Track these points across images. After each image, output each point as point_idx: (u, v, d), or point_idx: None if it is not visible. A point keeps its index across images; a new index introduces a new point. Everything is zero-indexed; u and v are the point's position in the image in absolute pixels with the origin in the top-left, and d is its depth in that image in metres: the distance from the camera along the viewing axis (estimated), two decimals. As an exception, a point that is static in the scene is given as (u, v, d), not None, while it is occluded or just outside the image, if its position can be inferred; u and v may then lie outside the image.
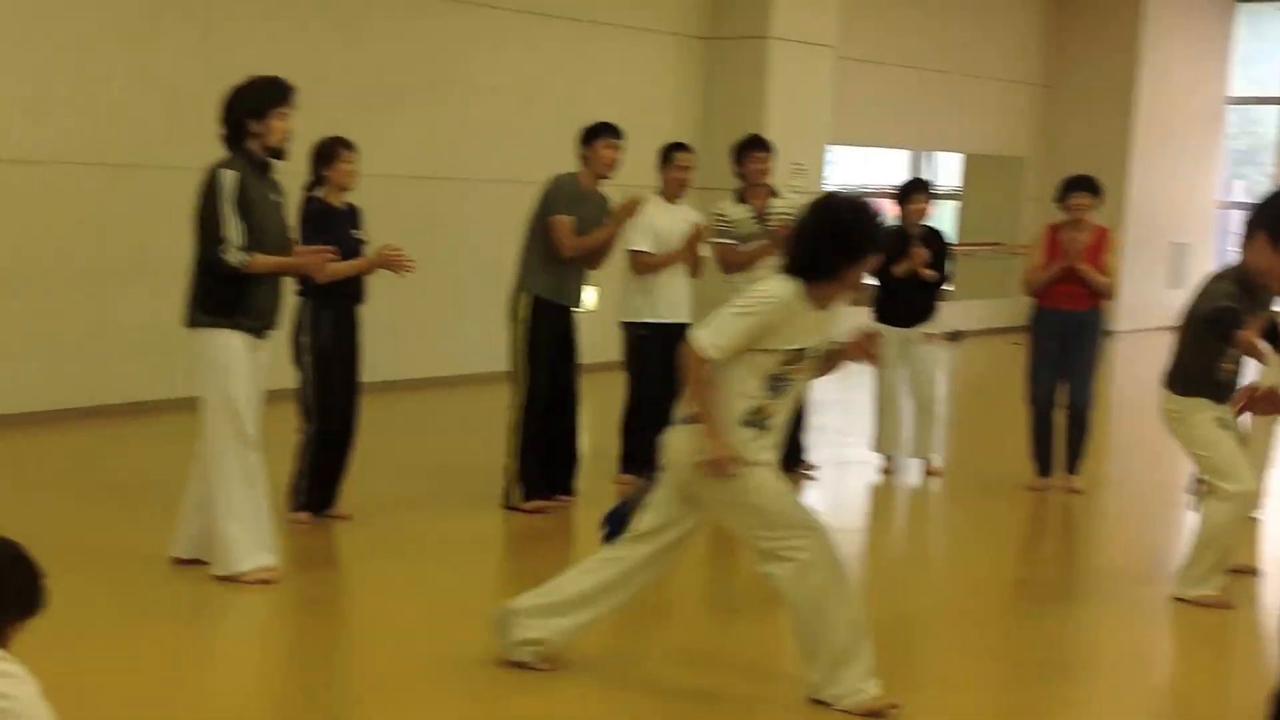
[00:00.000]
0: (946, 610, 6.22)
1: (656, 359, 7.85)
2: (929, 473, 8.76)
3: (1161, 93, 17.63)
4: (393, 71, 11.16)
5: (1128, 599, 6.47)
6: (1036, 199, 17.73)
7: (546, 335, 7.31)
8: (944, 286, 8.74)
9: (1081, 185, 8.20)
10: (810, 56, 13.65)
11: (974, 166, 17.70)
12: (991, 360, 14.79)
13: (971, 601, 6.34)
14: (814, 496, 8.15)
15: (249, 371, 5.88)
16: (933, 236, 8.63)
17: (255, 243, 5.81)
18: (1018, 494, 8.32)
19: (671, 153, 8.11)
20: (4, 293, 9.23)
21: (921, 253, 8.41)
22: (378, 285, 7.13)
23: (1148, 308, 17.09)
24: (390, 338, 9.95)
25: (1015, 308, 17.04)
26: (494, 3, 11.84)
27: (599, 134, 7.46)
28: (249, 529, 5.88)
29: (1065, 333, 8.20)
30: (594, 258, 7.52)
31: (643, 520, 4.89)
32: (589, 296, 12.45)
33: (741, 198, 8.31)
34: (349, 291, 6.84)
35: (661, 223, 7.89)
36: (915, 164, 19.43)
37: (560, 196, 7.31)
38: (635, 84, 13.05)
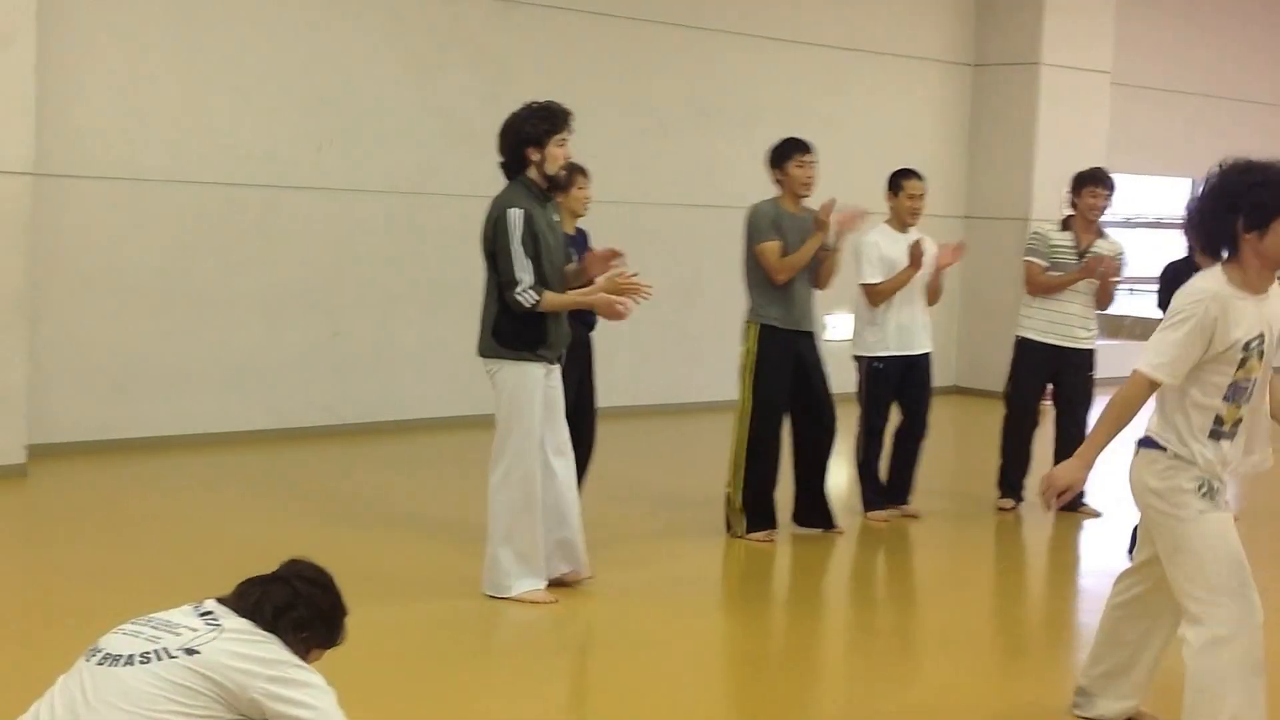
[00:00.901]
0: None
1: (889, 393, 7.89)
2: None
3: None
4: (662, 101, 11.48)
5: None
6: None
7: (776, 363, 7.24)
8: None
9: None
10: (1084, 83, 13.40)
11: (1258, 196, 17.00)
12: None
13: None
14: (1089, 541, 7.98)
15: (542, 398, 6.01)
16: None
17: (543, 277, 5.91)
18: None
19: (901, 180, 8.00)
20: (292, 315, 9.84)
21: None
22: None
23: None
24: (624, 364, 10.16)
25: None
26: (764, 33, 12.06)
27: (788, 154, 7.29)
28: (524, 556, 6.04)
29: None
30: (818, 277, 7.36)
31: (1139, 552, 4.69)
32: (838, 324, 12.67)
33: (1066, 225, 8.21)
34: (582, 319, 6.80)
35: (892, 252, 7.81)
36: (1194, 195, 18.74)
37: (761, 224, 7.21)
38: (901, 112, 13.07)
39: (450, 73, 10.38)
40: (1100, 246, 8.14)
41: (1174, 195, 18.93)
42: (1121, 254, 8.20)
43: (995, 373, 12.87)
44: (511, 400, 5.98)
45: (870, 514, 7.98)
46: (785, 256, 7.16)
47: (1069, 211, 8.24)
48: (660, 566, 6.88)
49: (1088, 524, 8.18)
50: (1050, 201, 13.14)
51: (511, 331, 5.95)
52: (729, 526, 7.39)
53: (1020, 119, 13.22)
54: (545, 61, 10.80)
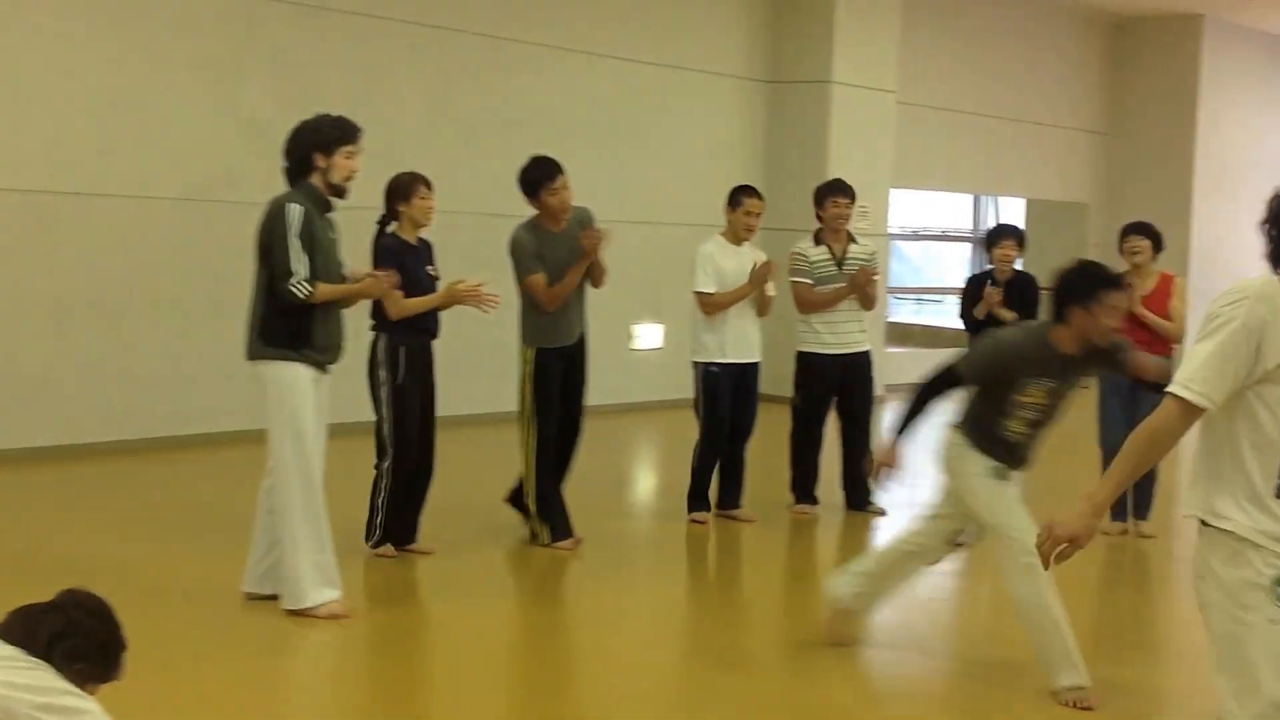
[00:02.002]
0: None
1: (725, 398, 8.09)
2: None
3: (1221, 141, 17.72)
4: (469, 111, 11.52)
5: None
6: (1099, 245, 17.82)
7: (552, 378, 7.35)
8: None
9: (1138, 230, 8.30)
10: (872, 101, 13.88)
11: (1037, 212, 17.83)
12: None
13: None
14: (882, 539, 8.20)
15: (314, 404, 5.91)
16: (1022, 280, 8.59)
17: (318, 278, 5.85)
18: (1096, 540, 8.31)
19: (741, 196, 8.21)
20: (79, 325, 9.57)
21: (994, 294, 8.45)
22: (451, 319, 7.28)
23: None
24: (464, 372, 10.17)
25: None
26: (571, 46, 12.21)
27: (540, 183, 7.22)
28: (316, 563, 5.92)
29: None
30: (592, 281, 7.42)
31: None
32: (650, 334, 12.91)
33: (819, 239, 8.45)
34: (424, 327, 6.91)
35: (727, 264, 8.05)
36: (977, 209, 19.58)
37: (523, 257, 7.24)
38: (700, 126, 13.35)
39: (250, 79, 10.24)
40: (854, 252, 8.42)
41: (957, 209, 19.74)
42: (873, 255, 8.55)
43: (779, 380, 13.34)
44: (280, 402, 5.87)
45: (694, 515, 8.18)
46: (551, 285, 7.21)
47: (816, 225, 8.48)
48: (468, 578, 6.95)
49: (879, 523, 8.45)
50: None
51: (279, 330, 5.87)
52: (534, 536, 7.48)
53: (814, 135, 13.63)
54: (350, 69, 10.76)
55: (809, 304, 8.37)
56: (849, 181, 8.60)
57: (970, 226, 19.74)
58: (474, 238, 11.23)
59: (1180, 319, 8.16)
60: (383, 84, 10.97)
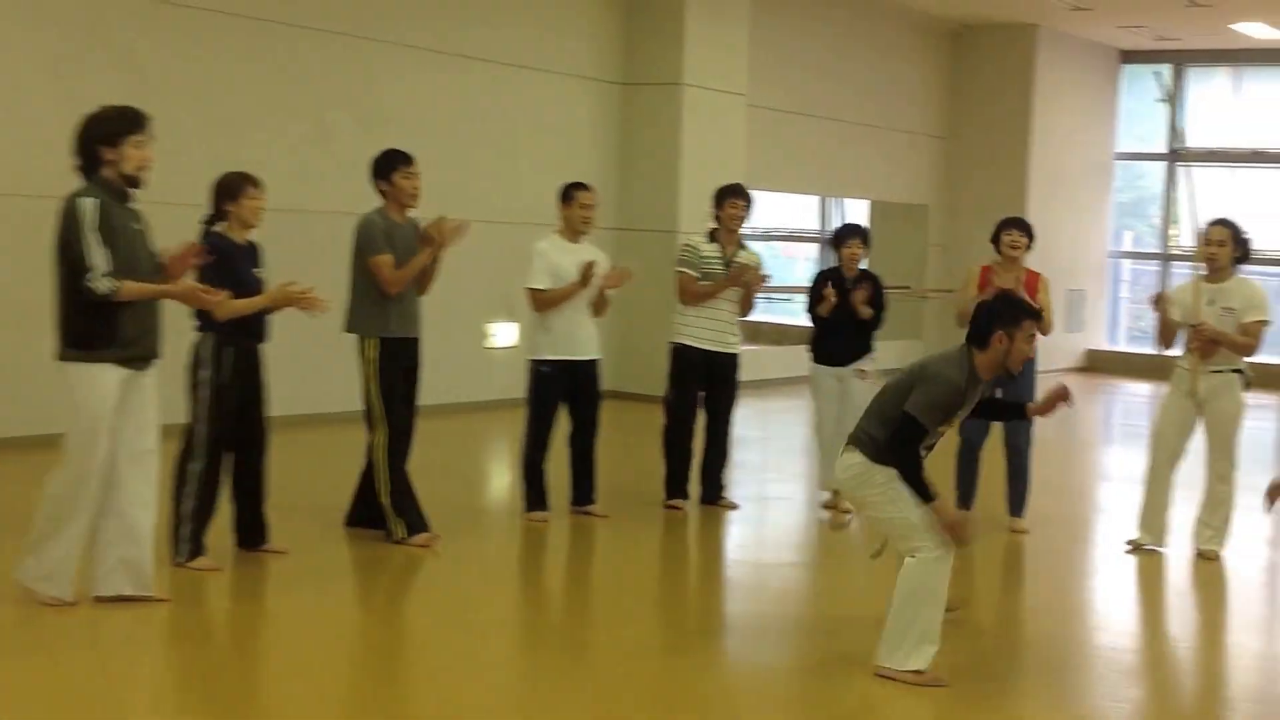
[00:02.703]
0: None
1: (553, 396, 8.13)
2: (848, 510, 8.67)
3: (1054, 146, 18.34)
4: (319, 110, 11.45)
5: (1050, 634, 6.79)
6: (939, 245, 18.35)
7: (395, 370, 7.32)
8: (879, 326, 8.85)
9: (1015, 225, 8.47)
10: (723, 104, 14.09)
11: (881, 213, 18.24)
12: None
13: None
14: (739, 533, 8.40)
15: (118, 406, 5.81)
16: (868, 280, 8.78)
17: (122, 270, 5.71)
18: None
19: (573, 191, 8.19)
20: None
21: (831, 294, 8.64)
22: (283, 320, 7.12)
23: (1046, 351, 17.61)
24: (289, 373, 10.03)
25: (925, 350, 17.57)
26: (427, 45, 12.18)
27: (393, 165, 7.28)
28: (49, 573, 5.89)
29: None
30: (420, 285, 7.44)
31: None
32: (505, 333, 12.95)
33: (713, 238, 8.56)
34: (252, 329, 6.76)
35: (561, 261, 8.02)
36: (824, 210, 19.95)
37: (374, 236, 7.21)
38: (554, 127, 13.41)
39: (93, 74, 10.03)
40: (741, 256, 8.58)
41: (805, 211, 20.11)
42: (759, 262, 8.66)
43: (644, 377, 13.55)
44: (74, 404, 5.78)
45: (530, 514, 8.20)
46: (397, 269, 7.23)
47: (713, 224, 8.63)
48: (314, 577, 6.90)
49: (732, 516, 8.62)
50: (695, 215, 13.73)
51: (82, 330, 5.77)
52: (389, 534, 7.43)
53: (666, 136, 13.78)
54: (198, 65, 10.62)
55: (690, 295, 8.46)
56: (701, 183, 8.74)
57: (817, 227, 20.13)
58: (323, 238, 11.13)
59: (1048, 312, 8.32)
60: (231, 81, 10.85)
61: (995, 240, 8.48)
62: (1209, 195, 18.64)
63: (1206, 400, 7.85)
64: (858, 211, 19.31)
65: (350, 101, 11.66)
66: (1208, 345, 7.70)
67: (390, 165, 7.34)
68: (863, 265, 8.88)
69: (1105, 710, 5.55)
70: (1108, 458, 13.03)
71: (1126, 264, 20.22)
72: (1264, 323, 7.73)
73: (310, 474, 9.25)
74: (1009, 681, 5.78)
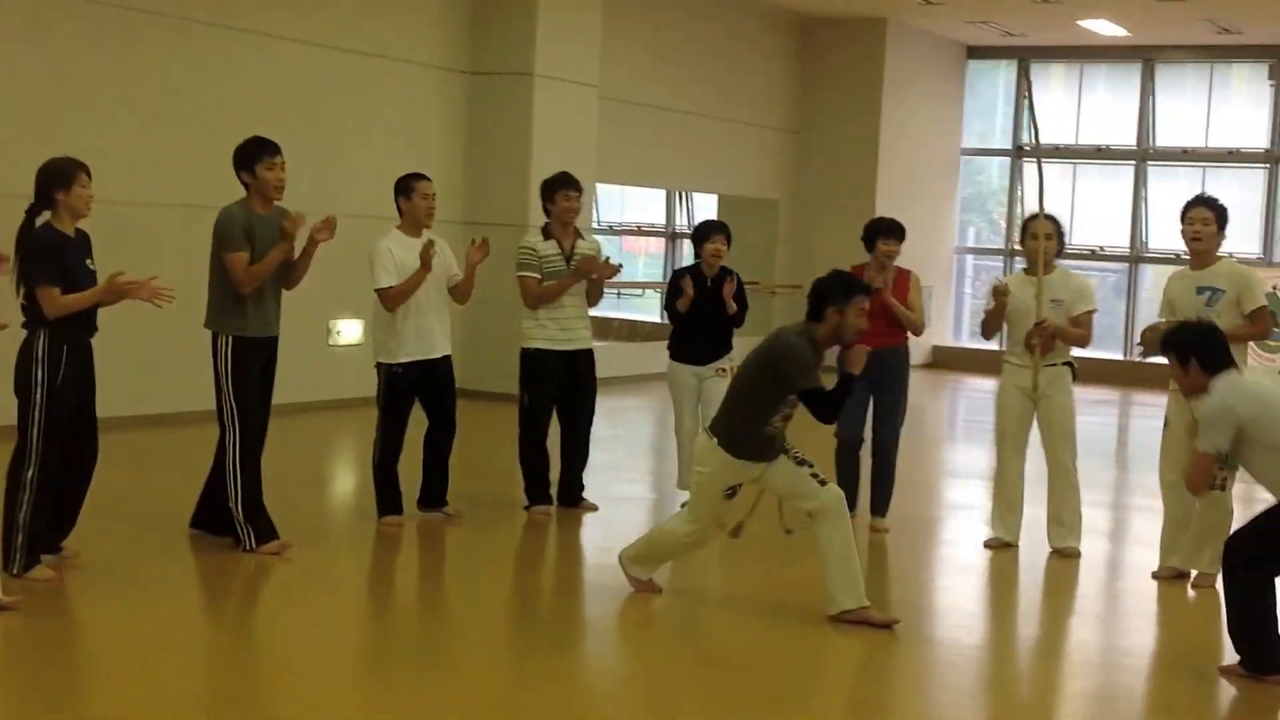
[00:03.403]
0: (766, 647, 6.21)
1: (407, 399, 7.83)
2: None
3: (903, 141, 18.45)
4: (155, 96, 10.94)
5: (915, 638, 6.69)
6: (789, 241, 18.34)
7: (251, 371, 7.04)
8: (741, 324, 8.71)
9: (891, 230, 8.27)
10: (574, 95, 13.83)
11: (730, 208, 18.16)
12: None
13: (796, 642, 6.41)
14: (596, 535, 8.20)
15: None
16: (730, 277, 8.58)
17: None
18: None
19: (411, 182, 7.88)
20: None
21: (688, 285, 8.47)
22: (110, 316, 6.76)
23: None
24: (124, 372, 9.61)
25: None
26: (265, 30, 11.73)
27: (257, 156, 6.98)
28: None
29: (873, 369, 8.30)
30: (289, 280, 7.19)
31: None
32: (349, 329, 12.56)
33: (548, 234, 8.31)
34: (85, 324, 6.43)
35: (406, 258, 7.71)
36: (670, 204, 19.84)
37: (233, 232, 6.91)
38: (403, 116, 13.05)
39: None
40: (581, 248, 8.34)
41: (653, 205, 19.98)
42: (599, 251, 8.45)
43: (494, 375, 13.26)
44: None
45: (385, 519, 7.91)
46: (252, 266, 6.94)
47: (545, 220, 8.36)
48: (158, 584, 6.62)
49: (590, 518, 8.45)
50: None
51: None
52: (238, 541, 7.10)
53: (516, 127, 13.47)
54: (29, 49, 10.04)
55: (537, 298, 8.24)
56: (549, 175, 8.45)
57: (664, 222, 20.03)
58: (154, 229, 10.72)
59: (919, 311, 8.30)
60: (65, 67, 10.27)
61: (868, 244, 8.34)
62: (1052, 192, 18.98)
63: (1042, 395, 7.85)
64: (707, 206, 19.25)
65: (192, 89, 11.16)
66: (1048, 340, 7.75)
67: (253, 156, 7.01)
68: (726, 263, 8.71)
69: (950, 710, 5.48)
70: (958, 454, 13.08)
71: (970, 260, 20.47)
72: (1094, 313, 7.93)
73: (161, 476, 8.86)
74: (861, 683, 5.72)
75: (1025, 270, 8.00)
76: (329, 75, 12.30)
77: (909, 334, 8.36)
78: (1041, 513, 8.12)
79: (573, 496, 8.58)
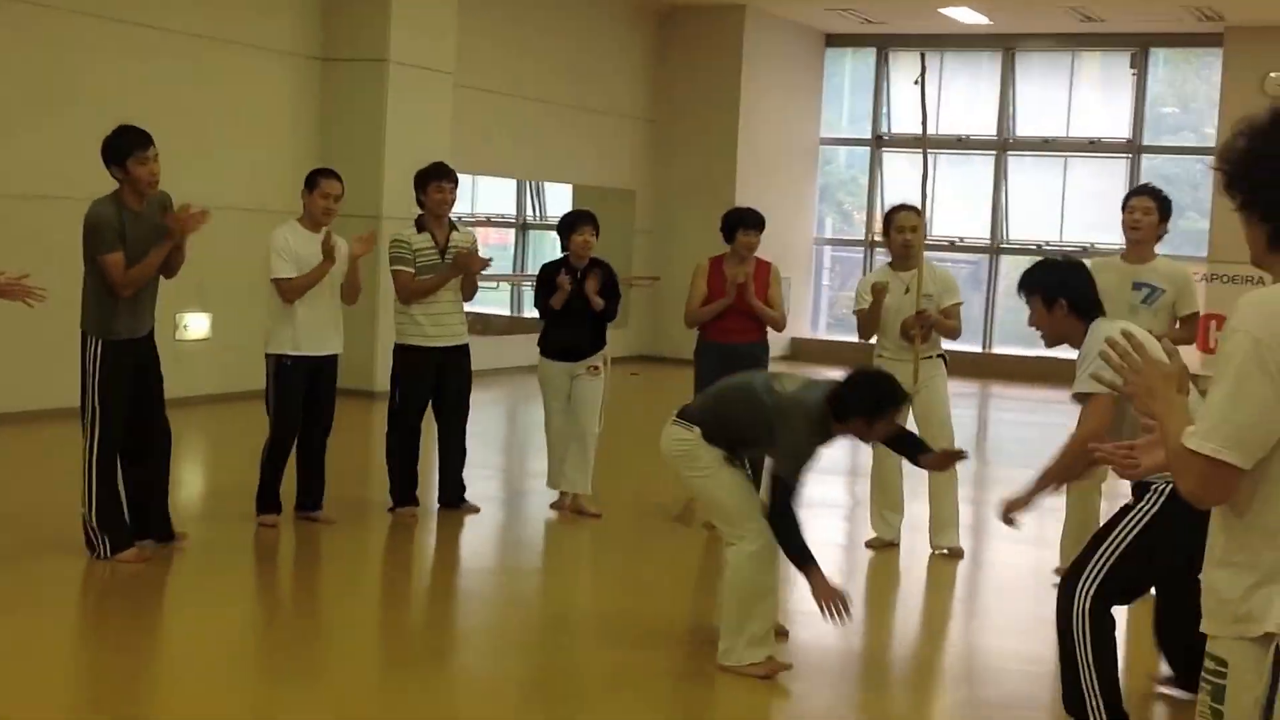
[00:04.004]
0: (614, 659, 5.92)
1: (297, 393, 7.58)
2: (579, 511, 8.36)
3: (762, 131, 18.17)
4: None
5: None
6: (646, 232, 17.94)
7: (118, 375, 6.72)
8: (613, 318, 8.41)
9: (751, 221, 8.12)
10: (429, 82, 13.33)
11: (585, 198, 17.71)
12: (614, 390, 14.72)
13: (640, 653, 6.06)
14: (479, 536, 7.98)
15: None
16: (600, 269, 8.30)
17: None
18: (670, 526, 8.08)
19: (317, 179, 7.71)
20: None
21: (566, 282, 8.14)
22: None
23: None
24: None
25: (630, 338, 17.19)
26: (110, 14, 11.07)
27: (128, 150, 6.68)
28: None
29: (732, 365, 8.07)
30: (168, 269, 6.91)
31: None
32: (196, 324, 11.90)
33: (421, 226, 8.01)
34: None
35: (303, 250, 7.54)
36: (520, 195, 19.37)
37: (104, 233, 6.59)
38: (253, 102, 12.47)
39: None
40: (456, 240, 8.06)
41: (501, 196, 19.46)
42: (476, 244, 8.22)
43: (363, 373, 12.68)
44: None
45: (263, 517, 7.61)
46: (131, 269, 6.62)
47: (419, 211, 8.09)
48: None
49: (471, 520, 8.16)
50: (400, 199, 12.89)
51: None
52: (91, 548, 6.73)
53: (370, 116, 12.95)
54: None
55: (411, 293, 7.94)
56: (407, 165, 8.24)
57: (514, 213, 19.54)
58: (5, 222, 10.06)
59: (779, 305, 8.16)
60: None
61: (727, 236, 8.15)
62: (910, 182, 18.91)
63: (920, 387, 7.65)
64: (561, 196, 18.78)
65: (31, 76, 10.46)
66: (926, 333, 7.64)
67: (125, 150, 6.65)
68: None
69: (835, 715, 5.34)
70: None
71: (828, 250, 20.29)
72: (961, 304, 7.88)
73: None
74: (731, 690, 5.45)
75: (890, 265, 7.87)
76: (177, 61, 11.68)
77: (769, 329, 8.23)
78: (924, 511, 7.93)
79: (454, 498, 8.26)
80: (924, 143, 8.52)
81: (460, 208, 18.91)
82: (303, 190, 7.72)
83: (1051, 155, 18.10)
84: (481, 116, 14.78)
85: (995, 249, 18.61)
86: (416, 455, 8.12)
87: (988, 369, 17.29)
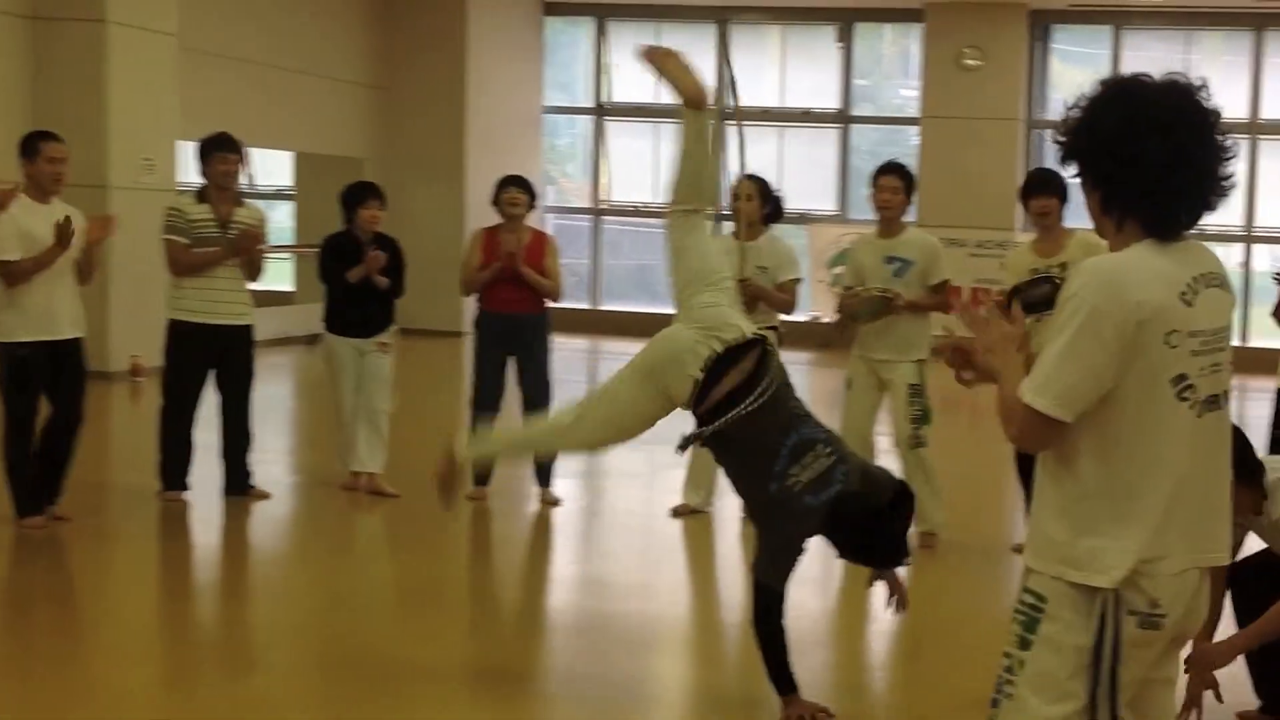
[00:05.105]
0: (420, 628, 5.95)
1: (34, 382, 7.11)
2: (376, 491, 8.20)
3: (487, 98, 18.19)
4: None
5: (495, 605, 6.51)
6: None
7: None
8: (401, 294, 8.26)
9: (515, 183, 8.12)
10: (151, 44, 12.87)
11: (310, 166, 17.43)
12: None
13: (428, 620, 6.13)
14: (265, 521, 7.76)
15: None
16: (386, 243, 8.14)
17: None
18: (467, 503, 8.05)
19: (38, 143, 7.17)
20: None
21: (378, 256, 7.96)
22: None
23: (448, 315, 17.48)
24: None
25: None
26: None
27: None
28: None
29: (512, 337, 8.11)
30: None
31: None
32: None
33: (203, 198, 7.70)
34: None
35: (33, 225, 7.00)
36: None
37: None
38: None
39: None
40: (241, 216, 7.81)
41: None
42: (262, 220, 7.96)
43: (96, 352, 12.10)
44: None
45: (25, 520, 7.15)
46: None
47: (202, 181, 7.82)
48: None
49: (260, 506, 7.95)
50: (126, 167, 12.48)
51: None
52: None
53: (88, 79, 12.40)
54: None
55: (182, 266, 7.63)
56: (132, 132, 7.89)
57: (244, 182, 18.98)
58: None
59: (556, 276, 8.12)
60: None
61: (495, 201, 8.16)
62: (630, 152, 19.28)
63: None
64: (280, 165, 18.38)
65: None
66: (751, 302, 7.48)
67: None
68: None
69: (628, 681, 5.40)
70: None
71: (552, 219, 20.47)
72: (799, 280, 7.83)
73: None
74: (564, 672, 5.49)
75: (733, 234, 7.73)
76: None
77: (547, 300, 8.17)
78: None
79: (239, 483, 7.99)
80: (738, 114, 8.24)
81: (184, 176, 18.41)
82: (20, 160, 7.16)
83: (769, 125, 18.69)
84: (206, 81, 14.33)
85: (718, 215, 19.13)
86: (189, 437, 7.82)
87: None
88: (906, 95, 18.82)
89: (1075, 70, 18.31)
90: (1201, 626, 3.19)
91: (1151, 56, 17.45)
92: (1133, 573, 2.87)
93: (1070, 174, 3.02)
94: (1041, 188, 7.06)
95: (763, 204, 7.71)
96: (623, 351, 14.05)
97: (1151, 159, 2.84)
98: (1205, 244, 3.03)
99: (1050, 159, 17.91)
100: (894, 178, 7.40)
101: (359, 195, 8.18)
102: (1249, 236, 17.35)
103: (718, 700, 5.27)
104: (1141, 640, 2.91)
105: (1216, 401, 2.95)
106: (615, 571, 7.17)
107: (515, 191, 8.08)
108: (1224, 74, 17.09)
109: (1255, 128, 17.07)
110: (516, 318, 8.02)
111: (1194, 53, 17.72)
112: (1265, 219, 17.36)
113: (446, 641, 5.79)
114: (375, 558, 7.54)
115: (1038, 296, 6.34)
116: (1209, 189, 2.91)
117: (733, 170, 6.79)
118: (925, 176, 15.58)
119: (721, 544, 7.75)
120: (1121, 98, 2.91)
